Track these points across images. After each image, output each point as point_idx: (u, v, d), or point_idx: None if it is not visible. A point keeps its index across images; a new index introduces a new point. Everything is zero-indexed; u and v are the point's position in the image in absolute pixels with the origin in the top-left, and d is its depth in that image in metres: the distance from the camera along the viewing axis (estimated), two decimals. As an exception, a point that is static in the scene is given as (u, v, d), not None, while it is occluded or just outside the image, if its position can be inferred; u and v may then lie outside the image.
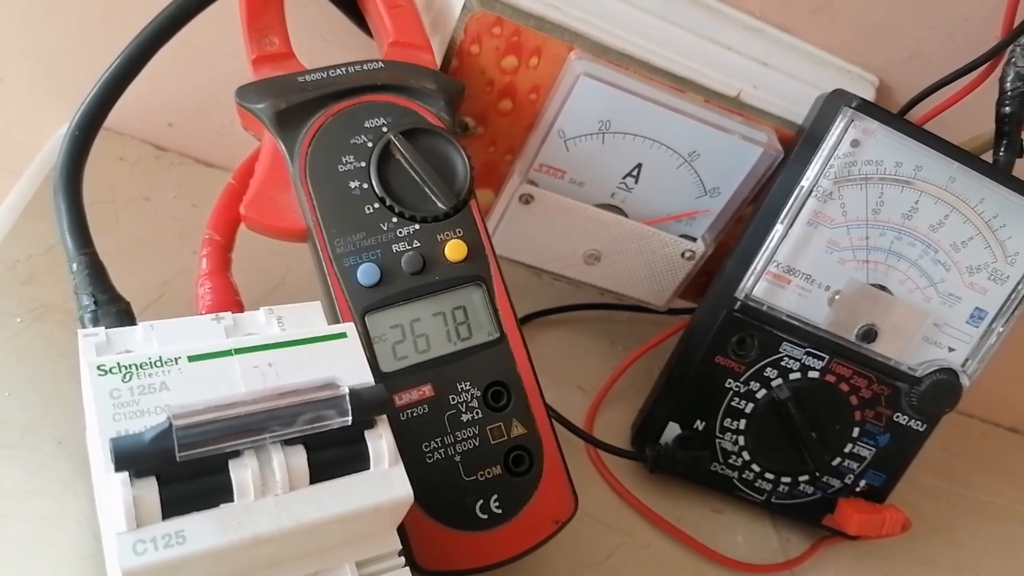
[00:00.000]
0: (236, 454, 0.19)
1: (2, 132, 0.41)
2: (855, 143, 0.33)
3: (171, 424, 0.19)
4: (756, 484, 0.38)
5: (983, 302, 0.36)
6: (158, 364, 0.20)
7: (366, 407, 0.21)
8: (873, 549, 0.42)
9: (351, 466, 0.21)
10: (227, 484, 0.19)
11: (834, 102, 0.34)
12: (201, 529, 0.18)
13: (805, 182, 0.34)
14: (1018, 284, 0.36)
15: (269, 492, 0.20)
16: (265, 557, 0.20)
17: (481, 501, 0.28)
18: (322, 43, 0.38)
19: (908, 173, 0.34)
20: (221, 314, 0.24)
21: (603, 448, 0.37)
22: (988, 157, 0.37)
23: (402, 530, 0.27)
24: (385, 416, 0.22)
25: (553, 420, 0.30)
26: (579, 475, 0.37)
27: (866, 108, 0.33)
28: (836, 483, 0.39)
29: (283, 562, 0.20)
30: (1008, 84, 0.36)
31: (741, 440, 0.37)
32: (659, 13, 0.36)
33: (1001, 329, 0.37)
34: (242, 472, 0.19)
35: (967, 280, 0.36)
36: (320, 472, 0.20)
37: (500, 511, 0.29)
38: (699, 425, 0.37)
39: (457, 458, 0.28)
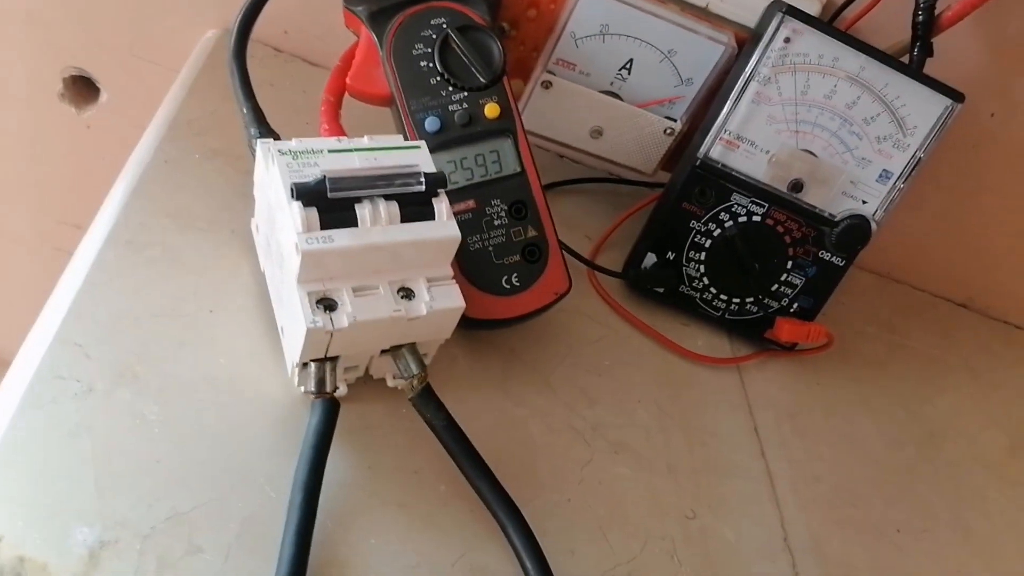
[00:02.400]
0: (359, 200, 0.34)
1: (162, 36, 0.56)
2: (787, 40, 0.45)
3: (324, 176, 0.33)
4: (713, 303, 0.52)
5: (889, 165, 0.48)
6: (311, 152, 0.34)
7: (432, 181, 0.35)
8: (809, 362, 0.55)
9: (424, 216, 0.35)
10: (354, 217, 0.33)
11: (772, 9, 0.46)
12: (341, 237, 0.33)
13: (749, 68, 0.46)
14: (916, 151, 0.48)
15: (378, 223, 0.34)
16: (375, 263, 0.34)
17: (506, 277, 0.42)
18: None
19: (828, 63, 0.46)
20: (341, 138, 0.38)
21: (598, 269, 0.51)
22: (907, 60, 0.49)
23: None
24: (444, 191, 0.35)
25: (561, 239, 0.44)
26: (580, 292, 0.51)
27: (794, 12, 0.45)
28: (775, 304, 0.52)
29: (385, 271, 0.34)
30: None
31: (702, 268, 0.50)
32: (648, -57, 0.48)
33: (902, 186, 0.49)
34: (363, 211, 0.33)
35: (876, 147, 0.48)
36: (406, 216, 0.34)
37: (519, 284, 0.42)
38: (670, 255, 0.50)
39: (491, 248, 0.42)
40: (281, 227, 0.34)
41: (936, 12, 0.48)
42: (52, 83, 0.58)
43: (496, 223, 0.43)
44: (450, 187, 0.42)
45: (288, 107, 0.52)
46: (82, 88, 0.59)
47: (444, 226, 0.35)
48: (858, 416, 0.54)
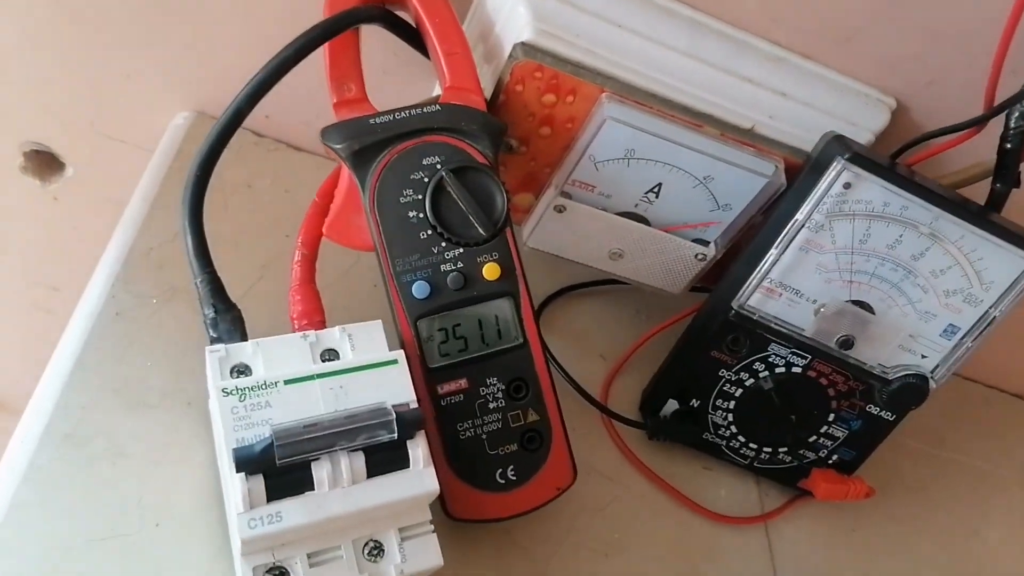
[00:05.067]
0: (316, 458, 0.28)
1: (126, 113, 0.49)
2: (847, 185, 0.38)
3: (273, 441, 0.27)
4: (741, 451, 0.46)
5: (957, 320, 0.41)
6: (263, 387, 0.29)
7: (407, 425, 0.29)
8: (845, 505, 0.49)
9: (396, 465, 0.29)
10: (310, 479, 0.28)
11: (832, 148, 0.38)
12: (292, 511, 0.27)
13: (800, 216, 0.39)
14: (990, 308, 0.41)
15: (338, 485, 0.28)
16: (336, 527, 0.29)
17: (500, 469, 0.37)
18: (382, 75, 0.44)
19: (894, 212, 0.39)
20: (307, 332, 0.33)
21: (612, 416, 0.45)
22: (987, 183, 0.42)
23: (440, 488, 0.36)
24: (423, 430, 0.30)
25: (561, 410, 0.38)
26: (590, 435, 0.45)
27: (858, 160, 0.37)
28: (811, 455, 0.46)
29: (348, 528, 0.29)
30: (1012, 121, 0.40)
31: (730, 417, 0.44)
32: (686, 50, 0.40)
33: (971, 344, 0.42)
34: (320, 471, 0.28)
35: (943, 301, 0.41)
36: (374, 469, 0.29)
37: (515, 478, 0.37)
38: (694, 403, 0.44)
39: (484, 436, 0.37)
40: (226, 476, 0.29)
41: (1030, 135, 0.40)
42: (12, 157, 0.52)
43: (491, 406, 0.37)
44: (439, 363, 0.36)
45: (266, 218, 0.46)
46: (47, 160, 0.53)
47: (420, 477, 0.29)
48: (896, 568, 0.49)
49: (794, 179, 0.41)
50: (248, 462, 0.27)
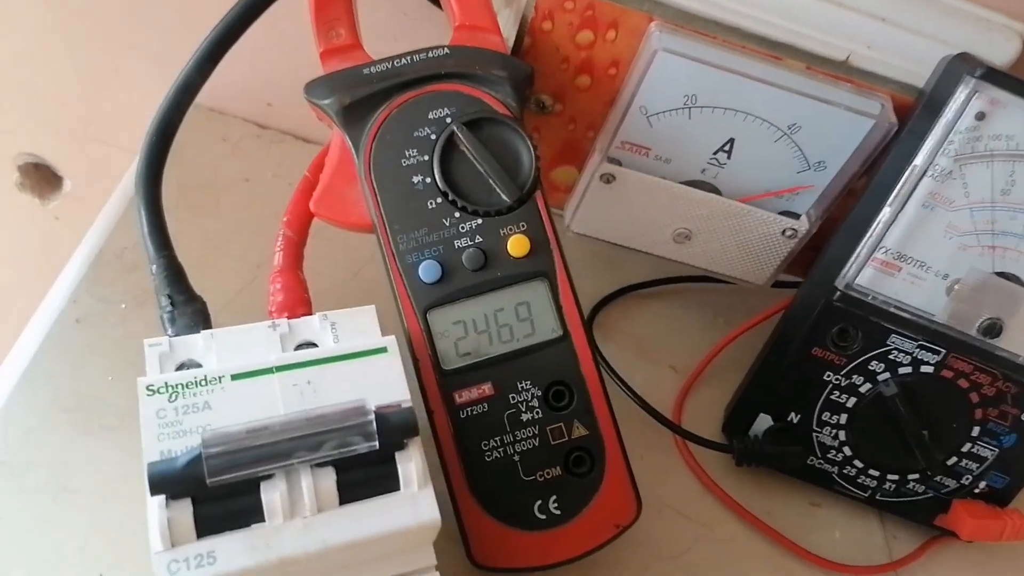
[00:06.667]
0: (268, 476, 0.20)
1: (118, 114, 0.44)
2: (980, 116, 0.29)
3: (201, 452, 0.20)
4: (859, 480, 0.36)
5: None
6: (203, 383, 0.22)
7: (394, 431, 0.21)
8: (996, 549, 0.38)
9: (380, 487, 0.21)
10: (258, 505, 0.20)
11: (956, 69, 0.29)
12: (232, 550, 0.20)
13: (919, 160, 0.30)
14: None
15: (298, 514, 0.20)
16: (296, 573, 0.21)
17: (539, 501, 0.28)
18: (392, 42, 0.38)
19: (1049, 147, 0.29)
20: (278, 321, 0.25)
21: (688, 438, 0.36)
22: None
23: (460, 525, 0.28)
24: (418, 438, 0.22)
25: (617, 422, 0.29)
26: (663, 462, 0.36)
27: (993, 77, 0.28)
28: (951, 483, 0.35)
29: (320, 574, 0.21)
30: None
31: (842, 435, 0.35)
32: (757, -31, 0.32)
33: None
34: (272, 494, 0.20)
35: (1121, 267, 0.31)
36: (349, 493, 0.21)
37: (559, 512, 0.28)
38: (793, 418, 0.35)
39: (516, 457, 0.28)
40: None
41: None
42: (7, 172, 0.47)
43: (525, 418, 0.29)
44: (456, 364, 0.28)
45: (265, 214, 0.39)
46: (45, 175, 0.48)
47: (413, 503, 0.21)
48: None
49: (905, 120, 0.32)
50: (167, 481, 0.19)
